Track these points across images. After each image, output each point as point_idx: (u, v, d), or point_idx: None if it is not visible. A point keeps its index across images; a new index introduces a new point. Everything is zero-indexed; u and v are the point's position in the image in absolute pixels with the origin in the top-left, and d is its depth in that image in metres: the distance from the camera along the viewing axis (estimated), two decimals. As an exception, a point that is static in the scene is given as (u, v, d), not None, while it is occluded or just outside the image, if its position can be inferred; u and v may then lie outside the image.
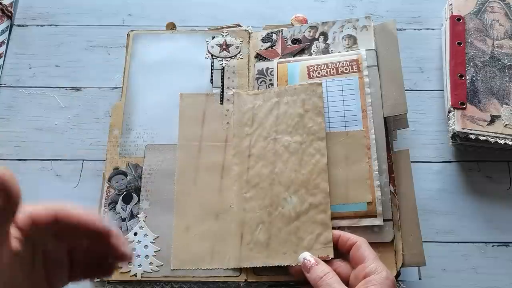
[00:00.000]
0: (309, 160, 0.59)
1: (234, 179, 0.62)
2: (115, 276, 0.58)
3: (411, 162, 0.60)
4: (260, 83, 0.67)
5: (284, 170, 0.60)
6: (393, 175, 0.60)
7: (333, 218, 0.58)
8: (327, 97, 0.63)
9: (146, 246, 0.59)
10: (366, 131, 0.61)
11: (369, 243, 0.56)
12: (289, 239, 0.57)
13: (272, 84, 0.66)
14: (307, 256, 0.54)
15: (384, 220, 0.57)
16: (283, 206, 0.58)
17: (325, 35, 0.69)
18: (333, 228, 0.57)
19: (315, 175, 0.59)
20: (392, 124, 0.63)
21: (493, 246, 0.62)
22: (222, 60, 0.70)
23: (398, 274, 0.56)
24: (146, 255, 0.59)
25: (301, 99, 0.62)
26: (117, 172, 0.63)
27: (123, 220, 0.61)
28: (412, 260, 0.56)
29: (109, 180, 0.63)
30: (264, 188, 0.60)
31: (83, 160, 0.67)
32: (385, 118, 0.61)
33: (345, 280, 0.51)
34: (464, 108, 0.64)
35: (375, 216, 0.57)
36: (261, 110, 0.64)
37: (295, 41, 0.69)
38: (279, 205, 0.59)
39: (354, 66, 0.64)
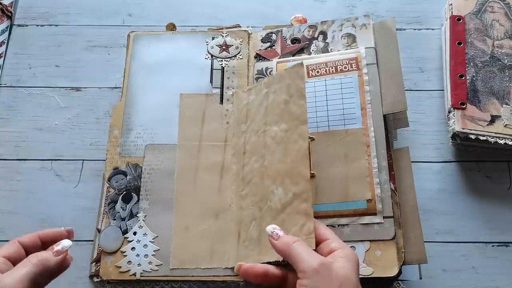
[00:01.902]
0: (293, 148, 0.56)
1: (232, 178, 0.62)
2: (115, 276, 0.58)
3: (411, 162, 0.60)
4: (260, 83, 0.67)
5: (272, 162, 0.58)
6: (393, 172, 0.60)
7: (333, 216, 0.58)
8: (327, 95, 0.63)
9: (145, 246, 0.59)
10: (366, 129, 0.61)
11: (370, 240, 0.57)
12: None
13: (271, 84, 0.66)
14: (275, 229, 0.52)
15: (384, 218, 0.57)
16: (271, 199, 0.57)
17: (324, 34, 0.69)
18: (333, 226, 0.57)
19: (298, 162, 0.55)
20: (392, 123, 0.63)
21: (493, 246, 0.62)
22: (222, 60, 0.70)
23: (399, 273, 0.56)
24: (146, 255, 0.59)
25: (286, 84, 0.60)
26: (117, 171, 0.63)
27: (123, 219, 0.61)
28: (414, 258, 0.56)
29: (109, 179, 0.63)
30: (256, 184, 0.59)
31: (83, 160, 0.67)
32: (384, 116, 0.61)
33: None
34: (464, 108, 0.64)
35: (375, 214, 0.57)
36: (254, 104, 0.64)
37: (294, 40, 0.69)
38: (268, 199, 0.57)
39: (353, 64, 0.64)
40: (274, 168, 0.58)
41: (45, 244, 0.50)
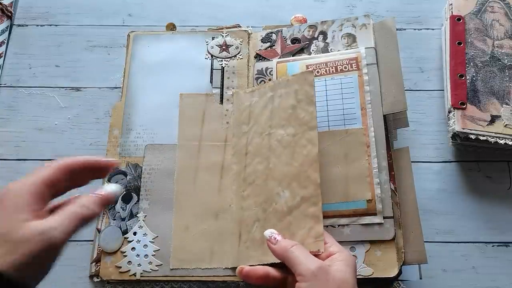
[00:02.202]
0: (301, 152, 0.57)
1: (233, 178, 0.62)
2: (115, 276, 0.58)
3: (411, 162, 0.60)
4: (260, 83, 0.67)
5: (277, 165, 0.59)
6: (393, 172, 0.60)
7: (333, 216, 0.58)
8: (327, 95, 0.63)
9: (145, 246, 0.59)
10: (366, 129, 0.61)
11: (370, 241, 0.57)
12: (282, 235, 0.56)
13: (271, 84, 0.66)
14: (273, 234, 0.52)
15: (384, 218, 0.57)
16: (276, 201, 0.57)
17: (324, 34, 0.69)
18: (333, 226, 0.57)
19: (307, 166, 0.56)
20: (392, 123, 0.63)
21: (493, 246, 0.62)
22: (222, 60, 0.70)
23: (399, 273, 0.56)
24: (146, 255, 0.59)
25: (294, 89, 0.60)
26: (117, 171, 0.63)
27: (123, 219, 0.61)
28: (414, 258, 0.56)
29: (109, 179, 0.63)
30: (259, 185, 0.59)
31: (83, 160, 0.67)
32: (384, 116, 0.61)
33: None
34: (464, 108, 0.64)
35: (375, 214, 0.57)
36: (257, 106, 0.64)
37: (295, 40, 0.69)
38: (273, 201, 0.57)
39: (353, 65, 0.64)
40: (280, 170, 0.58)
41: (85, 172, 0.43)
